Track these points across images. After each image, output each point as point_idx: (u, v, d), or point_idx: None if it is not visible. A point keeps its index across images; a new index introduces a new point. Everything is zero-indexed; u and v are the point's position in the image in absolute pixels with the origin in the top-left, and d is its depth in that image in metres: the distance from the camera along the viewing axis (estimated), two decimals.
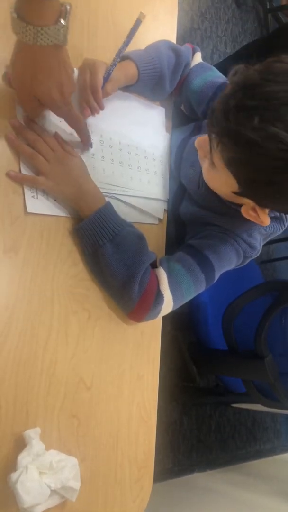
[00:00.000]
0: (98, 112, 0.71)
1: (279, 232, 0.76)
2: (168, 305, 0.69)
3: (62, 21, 0.51)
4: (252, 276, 1.42)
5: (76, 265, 0.67)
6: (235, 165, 0.56)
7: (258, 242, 0.74)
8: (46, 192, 0.65)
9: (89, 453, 0.64)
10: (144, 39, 0.86)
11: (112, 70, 0.69)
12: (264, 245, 0.77)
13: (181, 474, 1.61)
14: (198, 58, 0.85)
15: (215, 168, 0.61)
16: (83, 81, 0.69)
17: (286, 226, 0.75)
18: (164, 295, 0.67)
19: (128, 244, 0.66)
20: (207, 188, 0.70)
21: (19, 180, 0.62)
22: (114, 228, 0.65)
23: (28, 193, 0.63)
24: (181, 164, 0.82)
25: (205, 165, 0.66)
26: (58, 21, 0.51)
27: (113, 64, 0.69)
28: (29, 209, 0.63)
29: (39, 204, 0.64)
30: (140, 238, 0.69)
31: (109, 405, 0.67)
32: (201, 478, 1.64)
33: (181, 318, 1.26)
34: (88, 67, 0.69)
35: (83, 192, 0.65)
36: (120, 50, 0.69)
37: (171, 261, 0.71)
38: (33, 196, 0.64)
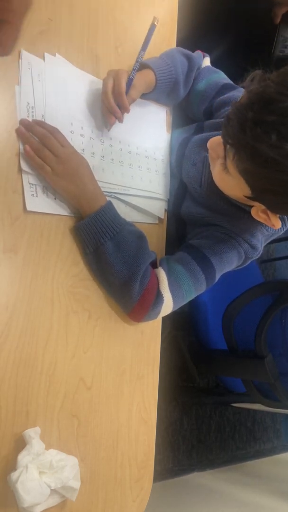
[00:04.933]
0: (122, 116, 0.74)
1: (281, 232, 0.76)
2: (168, 306, 0.69)
3: None
4: (252, 275, 1.42)
5: (77, 264, 0.67)
6: (250, 176, 0.56)
7: (260, 242, 0.74)
8: (47, 188, 0.65)
9: (89, 453, 0.64)
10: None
11: (134, 76, 0.73)
12: (264, 245, 0.77)
13: (181, 474, 1.61)
14: (206, 62, 0.87)
15: (228, 173, 0.61)
16: (107, 88, 0.72)
17: (286, 227, 0.75)
18: (164, 296, 0.67)
19: (129, 242, 0.67)
20: (210, 187, 0.70)
21: (30, 157, 0.63)
22: (115, 227, 0.66)
23: (28, 191, 0.63)
24: (182, 163, 0.82)
25: (216, 167, 0.65)
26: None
27: (134, 69, 0.73)
28: (29, 207, 0.63)
29: (38, 202, 0.64)
30: (141, 237, 0.70)
31: (109, 405, 0.67)
32: (201, 478, 1.64)
33: (181, 318, 1.26)
34: (112, 75, 0.72)
35: (86, 190, 0.66)
36: (139, 56, 0.74)
37: (171, 261, 0.71)
38: (32, 194, 0.64)
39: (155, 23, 0.72)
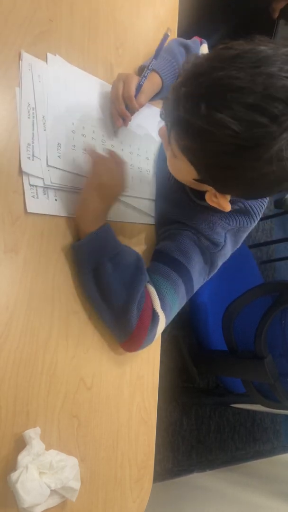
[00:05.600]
0: (130, 120, 0.77)
1: (249, 226, 0.73)
2: (162, 325, 0.67)
3: None
4: (252, 276, 1.42)
5: None
6: (190, 152, 0.56)
7: (223, 237, 0.71)
8: (47, 190, 0.65)
9: (89, 453, 0.64)
10: (144, 38, 0.86)
11: (143, 82, 0.74)
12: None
13: (180, 474, 1.61)
14: (203, 49, 0.88)
15: (176, 157, 0.60)
16: (116, 91, 0.73)
17: (256, 221, 0.74)
18: (159, 314, 0.65)
19: (127, 264, 0.66)
20: (175, 180, 0.70)
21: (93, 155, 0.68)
22: (114, 247, 0.65)
23: (29, 192, 0.63)
24: (157, 161, 0.84)
25: (168, 155, 0.65)
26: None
27: (144, 76, 0.75)
28: (29, 209, 0.63)
29: (39, 204, 0.64)
30: (138, 259, 0.68)
31: (109, 405, 0.67)
32: (200, 478, 1.64)
33: (181, 318, 1.26)
34: (122, 79, 0.74)
35: (94, 209, 0.66)
36: (150, 64, 0.75)
37: (150, 274, 0.69)
38: (33, 196, 0.64)
39: (168, 33, 0.75)
